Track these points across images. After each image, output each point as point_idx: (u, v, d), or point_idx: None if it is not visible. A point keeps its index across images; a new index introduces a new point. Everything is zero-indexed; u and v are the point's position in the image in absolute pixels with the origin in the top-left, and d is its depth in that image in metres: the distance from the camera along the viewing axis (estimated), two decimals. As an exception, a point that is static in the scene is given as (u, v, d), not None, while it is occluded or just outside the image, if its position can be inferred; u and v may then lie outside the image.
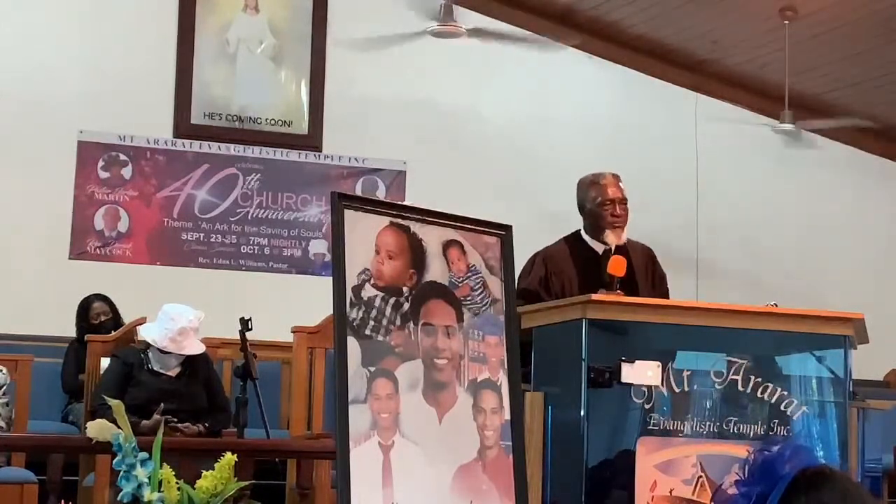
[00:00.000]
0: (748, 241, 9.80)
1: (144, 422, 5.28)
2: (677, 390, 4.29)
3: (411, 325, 3.67)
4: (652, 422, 4.25)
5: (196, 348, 5.78)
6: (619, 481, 4.21)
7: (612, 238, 5.00)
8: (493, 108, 9.35)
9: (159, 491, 3.78)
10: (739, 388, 4.35)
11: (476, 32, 9.14)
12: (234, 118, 8.81)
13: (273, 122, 8.89)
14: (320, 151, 8.98)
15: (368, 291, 3.60)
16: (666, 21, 9.07)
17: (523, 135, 9.18)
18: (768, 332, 4.46)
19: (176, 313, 5.74)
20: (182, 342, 5.70)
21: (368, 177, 9.06)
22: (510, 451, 3.81)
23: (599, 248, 5.04)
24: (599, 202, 5.03)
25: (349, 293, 3.55)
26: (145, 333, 5.81)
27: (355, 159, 9.05)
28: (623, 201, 5.05)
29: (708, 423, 4.32)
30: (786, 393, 4.39)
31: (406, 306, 3.67)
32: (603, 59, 9.56)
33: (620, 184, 5.08)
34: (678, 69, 9.66)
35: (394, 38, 9.12)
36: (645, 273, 5.09)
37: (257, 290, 8.48)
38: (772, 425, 4.37)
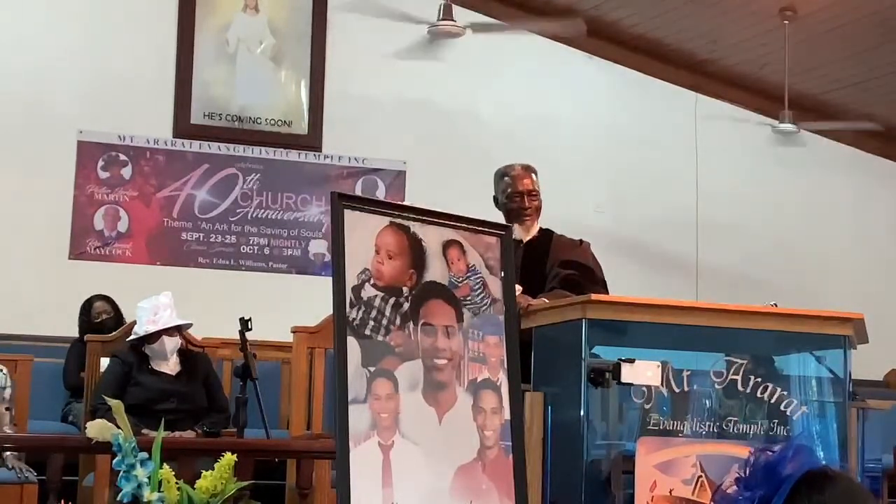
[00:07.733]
0: (748, 241, 9.80)
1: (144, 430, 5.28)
2: (677, 390, 4.29)
3: (411, 325, 3.67)
4: (651, 422, 4.24)
5: (174, 320, 5.85)
6: (619, 481, 4.21)
7: (519, 232, 4.84)
8: (492, 108, 9.35)
9: (159, 491, 3.77)
10: (739, 388, 4.34)
11: (476, 32, 9.14)
12: (234, 118, 8.81)
13: (273, 122, 8.89)
14: (320, 151, 8.98)
15: (368, 291, 3.59)
16: (666, 21, 9.07)
17: (523, 135, 9.16)
18: (768, 332, 4.45)
19: (145, 303, 5.88)
20: (158, 319, 5.79)
21: (368, 177, 9.06)
22: (510, 451, 3.81)
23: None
24: (509, 194, 4.99)
25: (349, 293, 3.54)
26: (132, 335, 5.89)
27: (355, 159, 9.05)
28: (532, 193, 4.98)
29: (708, 423, 4.32)
30: (785, 393, 4.38)
31: (406, 306, 3.67)
32: (603, 59, 9.56)
33: (532, 175, 5.01)
34: (678, 69, 9.66)
35: (393, 38, 9.12)
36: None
37: (257, 290, 8.47)
38: (771, 425, 4.36)
